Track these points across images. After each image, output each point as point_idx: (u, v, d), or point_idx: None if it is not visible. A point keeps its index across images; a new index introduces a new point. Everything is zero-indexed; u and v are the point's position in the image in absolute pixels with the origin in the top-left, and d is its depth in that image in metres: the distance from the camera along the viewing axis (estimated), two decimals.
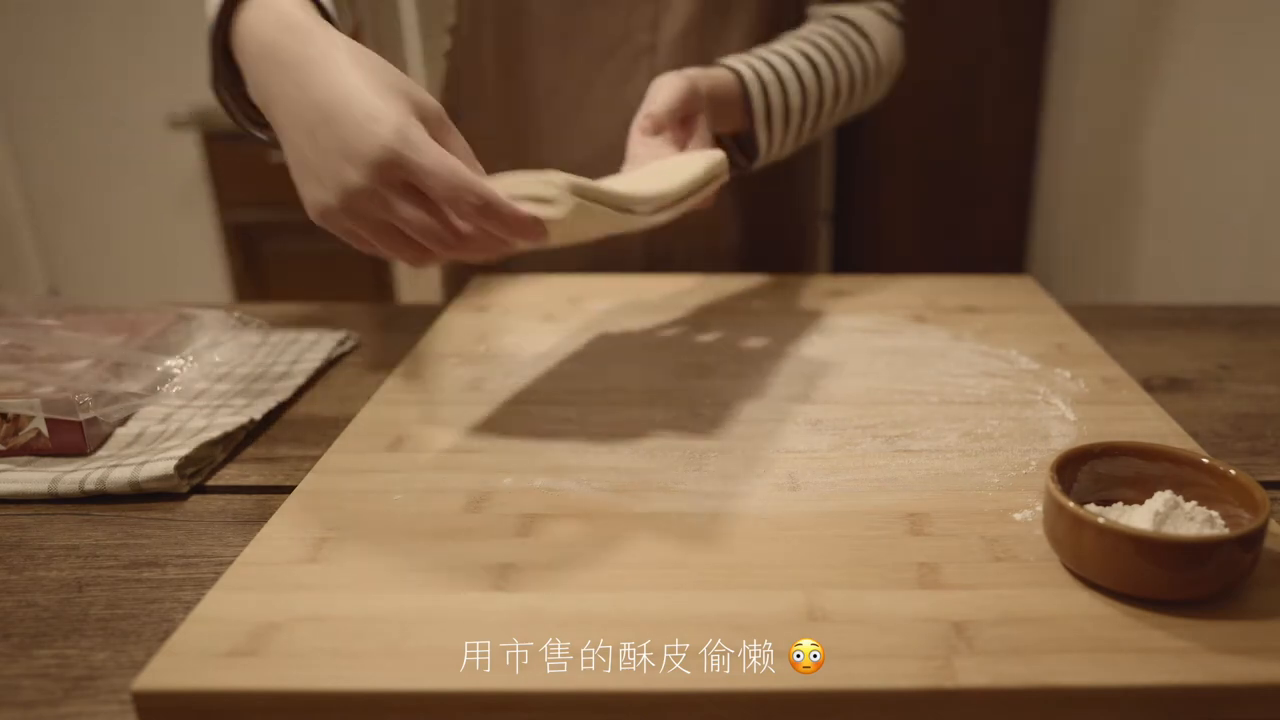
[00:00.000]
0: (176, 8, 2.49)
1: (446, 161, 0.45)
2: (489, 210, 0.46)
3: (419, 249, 0.49)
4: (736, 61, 0.78)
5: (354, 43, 0.50)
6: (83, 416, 0.58)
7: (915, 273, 0.90)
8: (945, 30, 1.86)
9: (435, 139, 0.47)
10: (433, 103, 0.49)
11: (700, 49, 0.86)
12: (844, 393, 0.64)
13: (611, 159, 0.89)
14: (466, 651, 0.38)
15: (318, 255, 2.28)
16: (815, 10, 0.89)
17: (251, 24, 0.52)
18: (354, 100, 0.46)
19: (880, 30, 0.87)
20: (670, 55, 0.86)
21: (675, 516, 0.49)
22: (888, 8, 0.89)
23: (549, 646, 0.39)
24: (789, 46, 0.81)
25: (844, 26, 0.85)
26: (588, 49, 0.87)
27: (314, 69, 0.48)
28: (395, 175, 0.46)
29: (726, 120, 0.77)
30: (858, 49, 0.84)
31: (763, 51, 0.80)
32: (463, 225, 0.48)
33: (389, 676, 0.37)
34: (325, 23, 0.51)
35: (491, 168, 0.79)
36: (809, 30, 0.85)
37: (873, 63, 0.86)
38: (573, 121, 0.90)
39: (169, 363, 0.68)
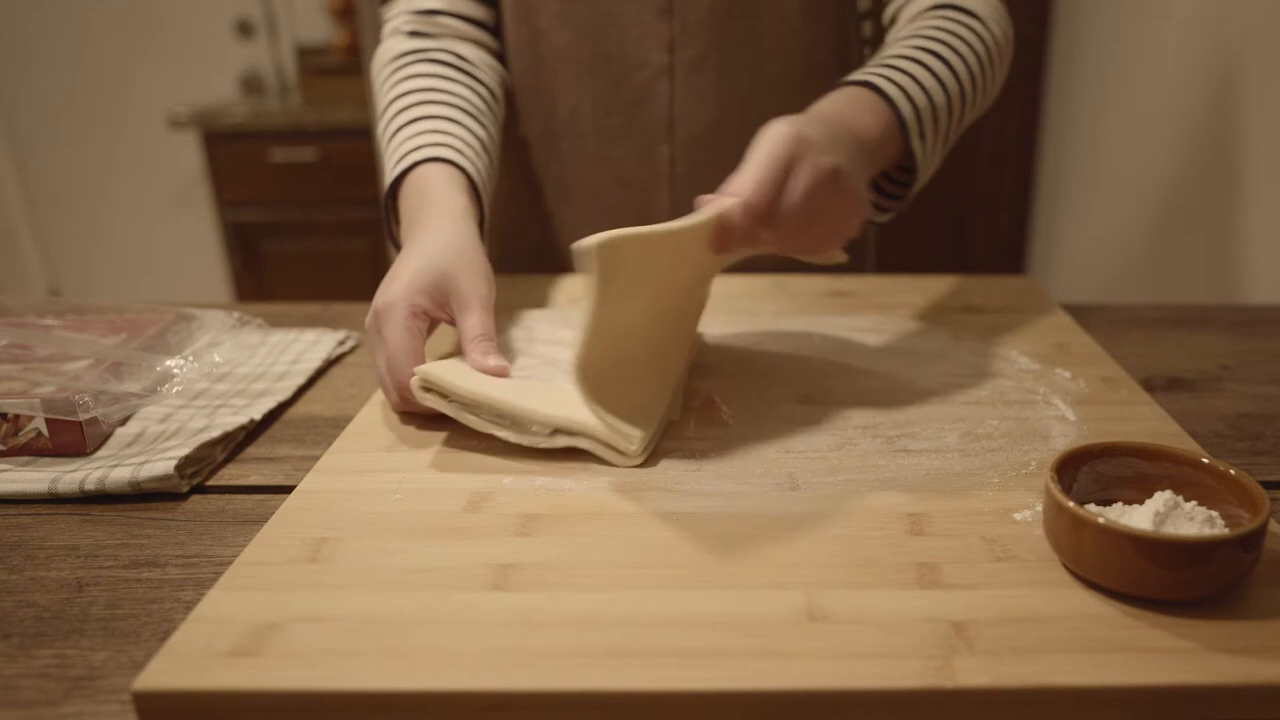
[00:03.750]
0: (176, 8, 2.49)
1: (391, 347, 0.59)
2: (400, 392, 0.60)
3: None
4: (867, 75, 0.70)
5: (446, 227, 0.66)
6: (83, 416, 0.58)
7: (915, 273, 0.90)
8: None
9: (453, 311, 0.63)
10: (468, 288, 0.62)
11: (720, 68, 0.84)
12: (844, 393, 0.64)
13: (628, 186, 0.89)
14: (466, 651, 0.38)
15: (318, 255, 2.29)
16: (907, 6, 0.81)
17: (407, 193, 0.72)
18: (395, 273, 0.63)
19: (986, 4, 0.79)
20: (689, 77, 0.84)
21: (675, 516, 0.49)
22: None
23: (548, 646, 0.39)
24: (909, 48, 0.73)
25: (950, 13, 0.77)
26: (605, 73, 0.86)
27: (411, 243, 0.66)
28: (374, 329, 0.62)
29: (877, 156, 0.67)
30: (975, 33, 0.76)
31: (886, 60, 0.72)
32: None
33: (389, 676, 0.37)
34: (442, 205, 0.68)
35: (519, 192, 0.95)
36: (919, 28, 0.76)
37: (992, 44, 0.77)
38: (591, 146, 0.89)
39: (169, 363, 0.68)
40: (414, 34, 0.85)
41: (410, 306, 0.60)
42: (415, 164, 0.72)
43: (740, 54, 0.84)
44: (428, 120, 0.76)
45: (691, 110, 0.85)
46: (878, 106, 0.67)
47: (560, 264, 0.92)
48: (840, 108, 0.66)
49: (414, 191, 0.71)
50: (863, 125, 0.65)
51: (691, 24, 0.83)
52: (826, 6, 0.85)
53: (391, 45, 0.85)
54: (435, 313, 0.63)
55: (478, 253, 0.65)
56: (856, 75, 0.70)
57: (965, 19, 0.77)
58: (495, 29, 0.89)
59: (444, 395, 0.56)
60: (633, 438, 0.54)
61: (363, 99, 2.08)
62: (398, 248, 0.72)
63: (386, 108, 0.80)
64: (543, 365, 0.63)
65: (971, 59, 0.74)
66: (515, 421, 0.55)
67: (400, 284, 0.61)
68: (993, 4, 0.80)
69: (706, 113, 0.85)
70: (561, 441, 0.55)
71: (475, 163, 0.74)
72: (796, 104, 0.84)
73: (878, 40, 0.86)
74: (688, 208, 0.88)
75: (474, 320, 0.62)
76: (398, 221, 0.74)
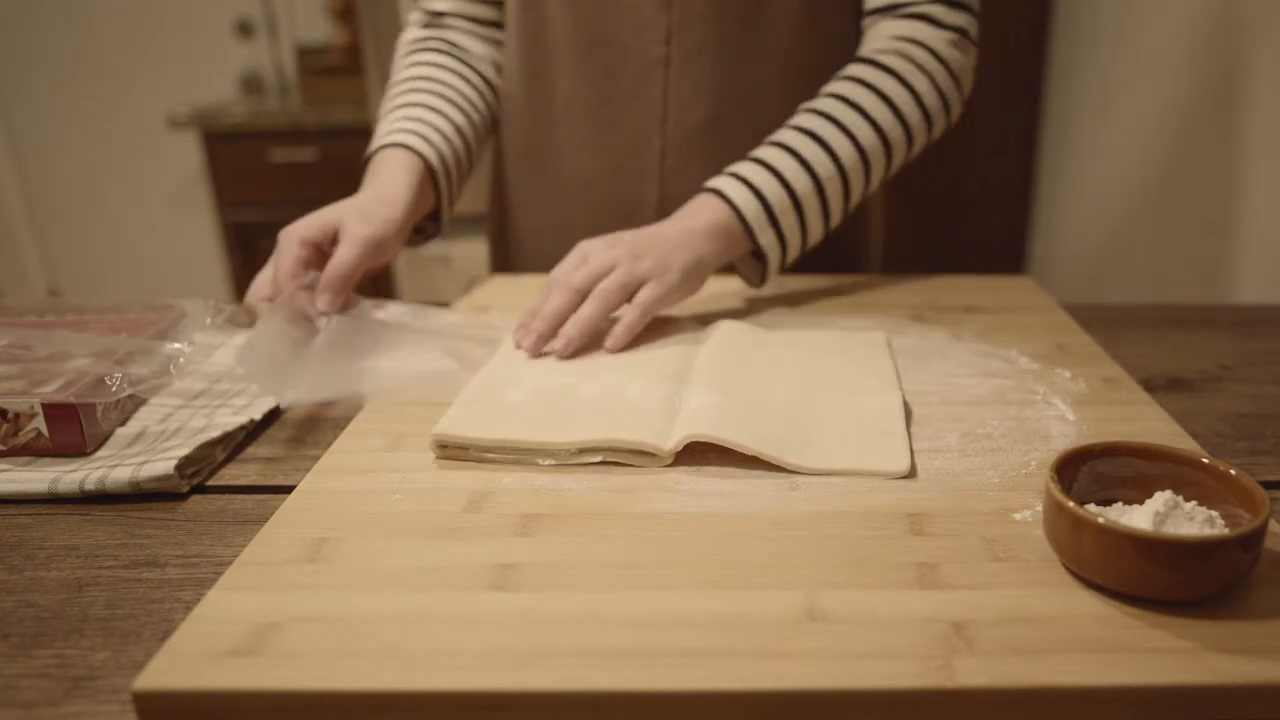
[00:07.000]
0: (176, 8, 2.49)
1: (276, 266, 0.71)
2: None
3: None
4: (723, 175, 0.76)
5: (368, 192, 0.78)
6: (115, 397, 0.59)
7: (915, 273, 0.90)
8: None
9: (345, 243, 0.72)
10: (352, 228, 0.72)
11: (716, 64, 0.84)
12: None
13: (618, 176, 0.89)
14: (466, 651, 0.38)
15: None
16: (874, 32, 0.83)
17: (368, 173, 0.82)
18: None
19: (916, 54, 0.80)
20: (684, 70, 0.84)
21: (675, 516, 0.49)
22: (936, 10, 0.81)
23: (548, 646, 0.39)
24: (794, 130, 0.77)
25: (865, 70, 0.79)
26: (603, 61, 0.86)
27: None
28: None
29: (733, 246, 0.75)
30: (882, 96, 0.78)
31: (770, 142, 0.77)
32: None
33: (389, 676, 0.37)
34: (383, 182, 0.78)
35: (516, 178, 0.99)
36: (828, 91, 0.79)
37: (909, 102, 0.79)
38: (587, 135, 0.89)
39: (175, 346, 0.68)
40: (426, 25, 0.93)
41: (301, 236, 0.71)
42: (382, 147, 0.81)
43: (737, 51, 0.84)
44: (408, 108, 0.85)
45: (685, 104, 0.86)
46: (715, 205, 0.75)
47: (556, 253, 0.92)
48: (679, 214, 0.76)
49: (370, 171, 0.81)
50: (697, 221, 0.74)
51: (691, 17, 0.83)
52: (829, 11, 0.85)
53: (406, 34, 0.93)
54: (324, 246, 0.73)
55: (381, 207, 0.75)
56: (720, 174, 0.77)
57: (879, 78, 0.79)
58: (501, 26, 0.93)
59: (463, 448, 0.56)
60: (663, 443, 0.54)
61: (363, 99, 2.08)
62: None
63: (387, 93, 0.89)
64: (551, 382, 0.63)
65: (865, 131, 0.77)
66: (539, 452, 0.55)
67: (301, 220, 0.72)
68: (937, 52, 0.80)
69: (700, 108, 0.86)
70: (592, 458, 0.55)
71: (440, 147, 0.82)
72: (790, 107, 0.84)
73: None
74: (674, 203, 0.88)
75: (340, 255, 0.71)
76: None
